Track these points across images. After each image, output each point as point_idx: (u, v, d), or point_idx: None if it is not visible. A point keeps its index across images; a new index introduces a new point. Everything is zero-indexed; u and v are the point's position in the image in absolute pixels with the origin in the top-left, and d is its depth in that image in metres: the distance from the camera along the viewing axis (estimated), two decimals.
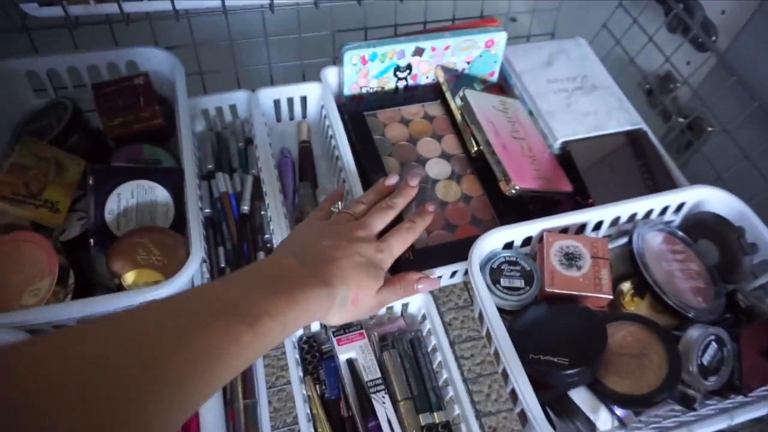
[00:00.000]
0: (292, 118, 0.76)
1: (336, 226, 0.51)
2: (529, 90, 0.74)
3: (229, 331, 0.34)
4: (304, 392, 0.51)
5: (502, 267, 0.56)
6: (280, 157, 0.72)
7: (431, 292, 0.57)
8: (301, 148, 0.73)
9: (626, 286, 0.59)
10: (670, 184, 0.68)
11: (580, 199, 0.68)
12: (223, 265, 0.60)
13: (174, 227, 0.59)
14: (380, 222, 0.53)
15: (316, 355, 0.55)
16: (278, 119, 0.75)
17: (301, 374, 0.53)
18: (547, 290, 0.54)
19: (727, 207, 0.61)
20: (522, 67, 0.76)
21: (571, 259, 0.56)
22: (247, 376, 0.57)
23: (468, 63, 0.75)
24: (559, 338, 0.51)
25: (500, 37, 0.73)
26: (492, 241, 0.56)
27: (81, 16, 0.65)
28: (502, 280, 0.55)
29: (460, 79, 0.74)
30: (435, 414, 0.52)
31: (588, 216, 0.59)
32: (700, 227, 0.63)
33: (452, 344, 0.61)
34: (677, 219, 0.65)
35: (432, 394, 0.53)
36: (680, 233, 0.62)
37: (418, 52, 0.70)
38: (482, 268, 0.56)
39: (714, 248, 0.61)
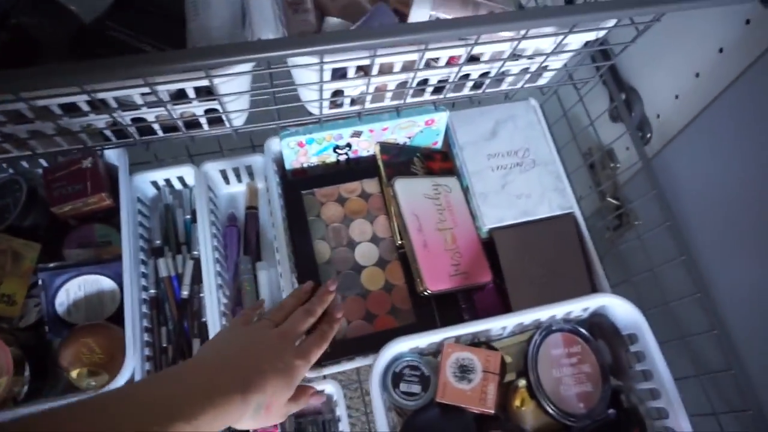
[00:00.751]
0: (239, 180, 0.80)
1: (257, 332, 0.53)
2: (467, 166, 0.76)
3: None
4: None
5: (404, 372, 0.63)
6: (227, 225, 0.77)
7: (352, 378, 0.65)
8: (247, 215, 0.78)
9: (522, 383, 0.66)
10: (585, 281, 0.72)
11: (501, 283, 0.73)
12: (165, 345, 0.68)
13: (121, 310, 0.66)
14: (300, 328, 0.55)
15: None
16: (227, 181, 0.79)
17: None
18: (437, 400, 0.61)
19: (624, 315, 0.66)
20: (465, 138, 0.78)
21: (464, 371, 0.62)
22: None
23: (409, 138, 0.76)
24: None
25: (441, 117, 0.74)
26: (396, 349, 0.62)
27: None
28: (401, 384, 0.63)
29: (402, 151, 0.76)
30: None
31: (491, 324, 0.64)
32: (599, 329, 0.68)
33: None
34: (584, 314, 0.70)
35: None
36: (582, 331, 0.67)
37: (356, 134, 0.72)
38: (387, 369, 0.63)
39: (608, 351, 0.67)
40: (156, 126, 0.58)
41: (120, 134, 0.61)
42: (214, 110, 0.57)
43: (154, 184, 0.76)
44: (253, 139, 0.80)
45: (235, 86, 0.54)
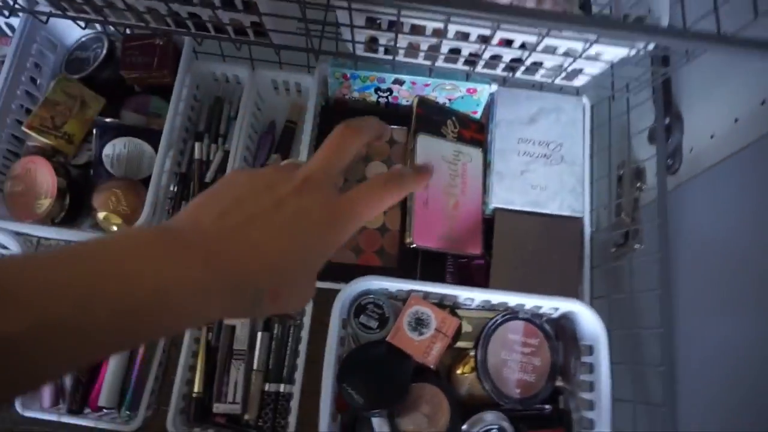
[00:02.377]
0: (288, 91, 0.85)
1: (265, 175, 0.33)
2: (496, 143, 0.77)
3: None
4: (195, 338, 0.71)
5: (368, 306, 0.69)
6: (265, 131, 0.83)
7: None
8: (285, 127, 0.84)
9: (472, 353, 0.70)
10: (571, 285, 0.74)
11: (489, 260, 0.76)
12: None
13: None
14: (339, 161, 0.34)
15: None
16: (277, 91, 0.85)
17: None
18: (387, 340, 0.67)
19: (589, 326, 0.68)
20: (503, 116, 0.79)
21: (419, 324, 0.67)
22: None
23: (449, 100, 0.78)
24: (374, 379, 0.66)
25: (484, 89, 0.75)
26: (367, 284, 0.68)
27: None
28: (362, 317, 0.69)
29: (440, 111, 0.78)
30: (281, 385, 0.71)
31: (459, 292, 0.68)
32: (561, 330, 0.70)
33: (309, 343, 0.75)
34: (555, 313, 0.72)
35: (285, 371, 0.72)
36: (546, 327, 0.70)
37: (398, 82, 0.75)
38: (353, 300, 0.69)
39: (562, 353, 0.70)
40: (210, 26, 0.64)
41: (179, 25, 0.67)
42: (258, 24, 0.62)
43: (213, 75, 0.83)
44: (310, 60, 0.84)
45: (277, 7, 0.58)
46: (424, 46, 0.63)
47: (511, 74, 0.68)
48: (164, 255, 0.27)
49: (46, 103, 0.73)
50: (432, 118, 0.77)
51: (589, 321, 0.68)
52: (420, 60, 0.67)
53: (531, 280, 0.74)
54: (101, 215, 0.71)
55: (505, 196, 0.75)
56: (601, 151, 0.79)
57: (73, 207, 0.74)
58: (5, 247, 0.73)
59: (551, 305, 0.69)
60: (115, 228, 0.71)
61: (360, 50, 0.64)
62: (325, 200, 0.32)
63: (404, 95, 0.78)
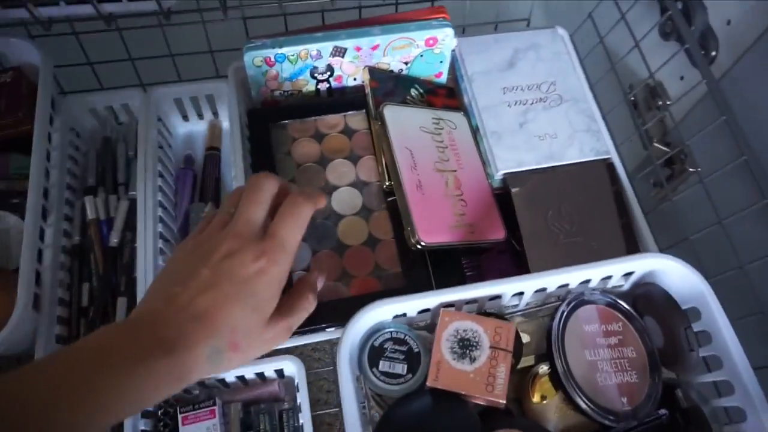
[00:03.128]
0: (201, 116, 0.66)
1: (199, 248, 0.39)
2: (477, 101, 0.61)
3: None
4: None
5: (386, 346, 0.48)
6: (180, 168, 0.63)
7: (310, 356, 0.50)
8: (206, 156, 0.64)
9: (543, 369, 0.50)
10: (631, 237, 0.56)
11: (517, 246, 0.57)
12: (86, 305, 0.54)
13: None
14: (257, 207, 0.39)
15: (168, 425, 0.49)
16: (185, 117, 0.66)
17: None
18: (428, 385, 0.45)
19: (683, 283, 0.50)
20: (476, 67, 0.63)
21: (465, 347, 0.46)
22: None
23: (406, 63, 0.61)
24: None
25: (445, 35, 0.59)
26: (374, 316, 0.47)
27: None
28: (381, 363, 0.47)
29: (398, 82, 0.61)
30: None
31: (503, 288, 0.49)
32: (647, 302, 0.52)
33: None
34: (626, 284, 0.54)
35: None
36: (624, 306, 0.51)
37: (339, 52, 0.58)
38: (364, 344, 0.48)
39: (659, 331, 0.51)
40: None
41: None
42: None
43: (93, 112, 0.62)
44: (219, 66, 0.66)
45: None
46: None
47: None
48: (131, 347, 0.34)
49: None
50: (390, 90, 0.60)
51: (680, 276, 0.50)
52: None
53: (577, 251, 0.56)
54: None
55: (511, 157, 0.58)
56: (599, 82, 0.64)
57: None
58: None
59: (623, 269, 0.50)
60: None
61: None
62: (255, 253, 0.37)
63: (349, 70, 0.60)
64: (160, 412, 0.49)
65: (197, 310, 0.35)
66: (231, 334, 0.36)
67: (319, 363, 0.63)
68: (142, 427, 0.47)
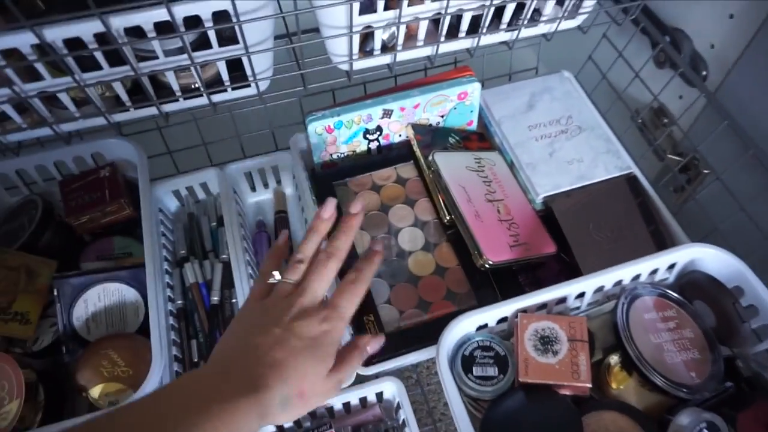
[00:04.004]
0: (266, 186, 0.75)
1: (270, 311, 0.44)
2: (509, 139, 0.70)
3: None
4: None
5: (475, 354, 0.54)
6: (255, 232, 0.71)
7: (411, 377, 0.55)
8: (276, 219, 0.72)
9: (614, 359, 0.56)
10: (662, 238, 0.63)
11: (567, 258, 0.64)
12: (196, 359, 0.60)
13: (147, 323, 0.58)
14: (321, 283, 0.45)
15: None
16: (253, 189, 0.74)
17: None
18: (520, 380, 0.51)
19: (722, 266, 0.57)
20: (501, 113, 0.73)
21: (546, 343, 0.52)
22: None
23: (442, 116, 0.71)
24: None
25: (474, 88, 0.69)
26: (461, 329, 0.53)
27: None
28: (474, 369, 0.53)
29: (436, 134, 0.71)
30: None
31: (567, 290, 0.55)
32: (694, 287, 0.58)
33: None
34: (671, 276, 0.61)
35: None
36: (673, 294, 0.58)
37: (387, 113, 0.68)
38: (454, 356, 0.54)
39: (710, 311, 0.57)
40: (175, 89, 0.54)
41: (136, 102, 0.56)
42: (238, 69, 0.53)
43: (176, 194, 0.71)
44: (278, 140, 0.75)
45: (258, 31, 0.50)
46: (422, 26, 0.57)
47: (515, 35, 0.63)
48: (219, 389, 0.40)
49: None
50: (432, 140, 0.69)
51: (719, 261, 0.57)
52: (419, 50, 0.60)
53: (618, 253, 0.63)
54: (95, 391, 0.53)
55: (547, 182, 0.66)
56: (609, 111, 0.74)
57: (52, 401, 0.54)
58: None
59: (668, 261, 0.58)
60: (117, 399, 0.53)
61: (356, 57, 0.57)
62: (319, 318, 0.43)
63: (395, 129, 0.70)
64: None
65: (273, 360, 0.41)
66: (300, 381, 0.41)
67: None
68: None
